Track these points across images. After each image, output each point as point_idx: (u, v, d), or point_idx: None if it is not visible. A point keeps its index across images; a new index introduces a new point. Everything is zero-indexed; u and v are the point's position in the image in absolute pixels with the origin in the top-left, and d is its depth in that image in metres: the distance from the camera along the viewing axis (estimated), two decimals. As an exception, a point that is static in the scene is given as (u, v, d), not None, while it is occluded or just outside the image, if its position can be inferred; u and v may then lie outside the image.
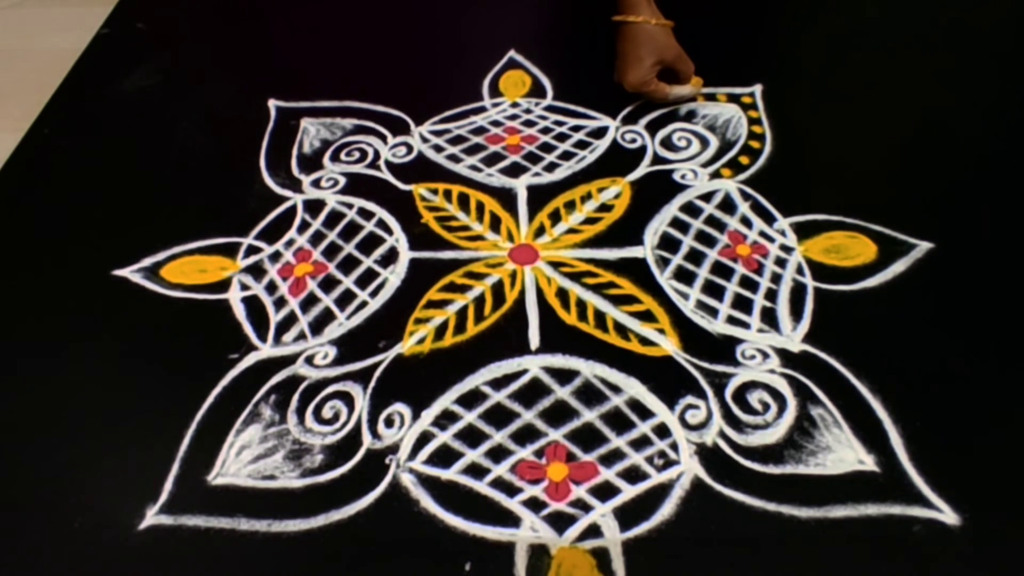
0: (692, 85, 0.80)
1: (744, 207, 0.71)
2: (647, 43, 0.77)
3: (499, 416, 0.56)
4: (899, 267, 0.64)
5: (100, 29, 0.98)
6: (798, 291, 0.63)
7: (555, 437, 0.55)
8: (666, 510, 0.50)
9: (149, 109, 0.86)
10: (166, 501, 0.52)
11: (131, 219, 0.73)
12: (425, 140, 0.80)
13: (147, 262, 0.68)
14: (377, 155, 0.78)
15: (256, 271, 0.67)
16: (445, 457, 0.54)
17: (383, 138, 0.80)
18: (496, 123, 0.81)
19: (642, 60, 0.77)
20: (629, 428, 0.55)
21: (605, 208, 0.71)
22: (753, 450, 0.53)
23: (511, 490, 0.52)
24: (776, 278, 0.65)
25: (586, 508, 0.51)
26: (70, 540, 0.50)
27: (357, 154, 0.79)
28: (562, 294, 0.64)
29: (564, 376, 0.58)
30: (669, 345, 0.60)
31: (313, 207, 0.73)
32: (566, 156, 0.77)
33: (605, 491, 0.52)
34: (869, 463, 0.52)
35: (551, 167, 0.76)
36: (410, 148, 0.79)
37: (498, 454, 0.54)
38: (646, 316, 0.62)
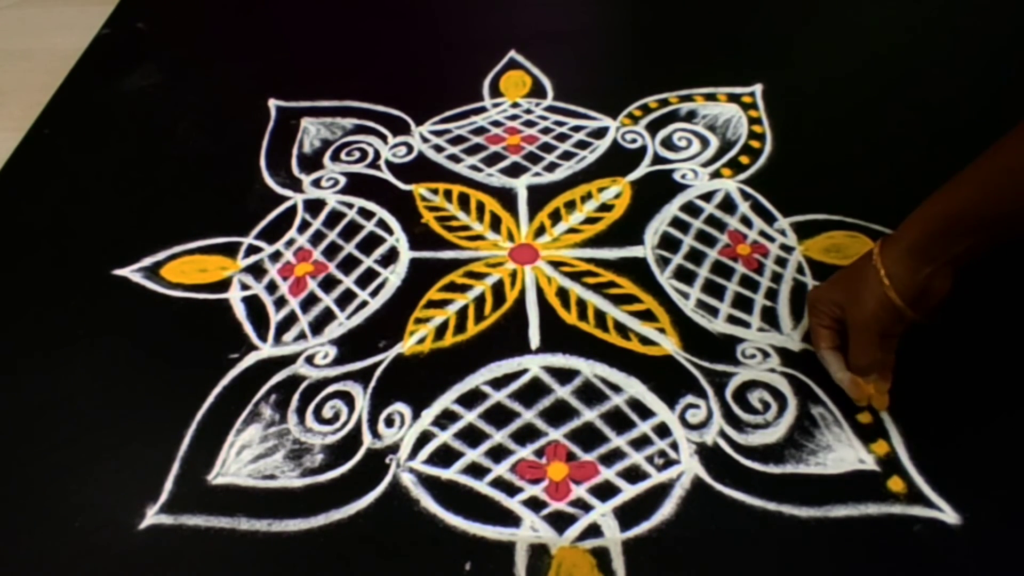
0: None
1: (744, 207, 0.71)
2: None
3: (499, 416, 0.56)
4: (899, 267, 0.64)
5: (100, 29, 0.98)
6: (798, 290, 0.63)
7: (555, 437, 0.55)
8: (666, 510, 0.50)
9: (149, 109, 0.86)
10: (166, 501, 0.52)
11: (131, 219, 0.73)
12: (425, 140, 0.80)
13: (147, 262, 0.68)
14: (377, 155, 0.78)
15: (256, 271, 0.67)
16: (445, 457, 0.54)
17: (383, 138, 0.80)
18: (496, 123, 0.81)
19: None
20: (629, 427, 0.55)
21: (605, 208, 0.71)
22: (753, 449, 0.53)
23: (511, 490, 0.52)
24: (776, 277, 0.65)
25: (586, 508, 0.51)
26: (70, 540, 0.50)
27: (357, 154, 0.79)
28: (562, 293, 0.64)
29: (564, 375, 0.58)
30: (669, 344, 0.60)
31: (313, 207, 0.73)
32: (566, 156, 0.77)
33: (605, 491, 0.51)
34: (869, 462, 0.52)
35: (551, 167, 0.76)
36: (410, 148, 0.79)
37: (498, 454, 0.54)
38: (646, 315, 0.62)
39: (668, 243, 0.68)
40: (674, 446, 0.54)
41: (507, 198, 0.73)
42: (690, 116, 0.81)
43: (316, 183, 0.75)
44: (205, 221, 0.71)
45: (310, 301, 0.65)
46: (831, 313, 0.55)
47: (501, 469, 0.53)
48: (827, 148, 0.77)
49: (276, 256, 0.68)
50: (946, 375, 0.57)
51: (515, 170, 0.76)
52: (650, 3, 1.00)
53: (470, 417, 0.56)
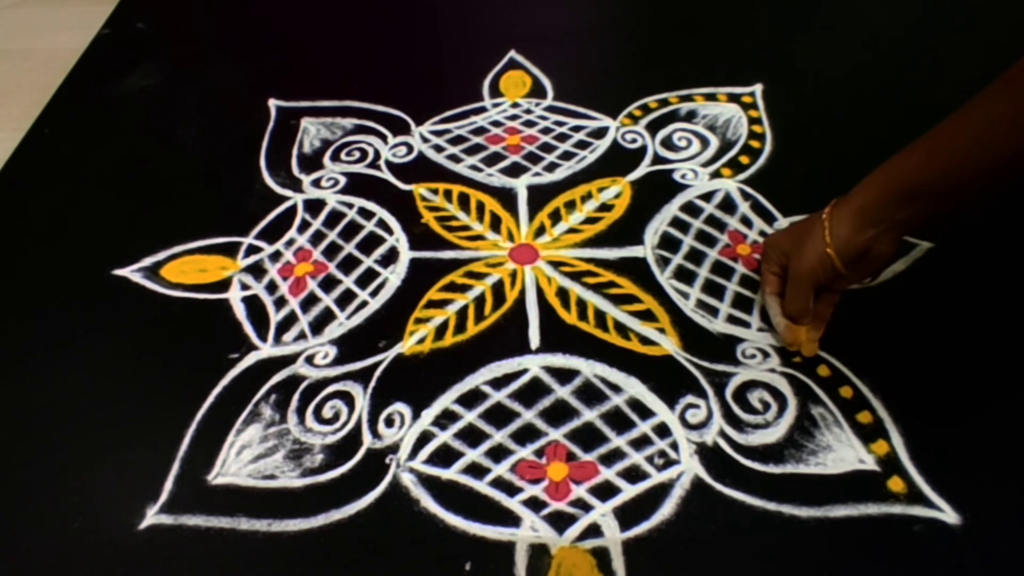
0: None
1: (744, 207, 0.71)
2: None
3: (499, 416, 0.56)
4: (899, 267, 0.64)
5: (100, 29, 0.98)
6: (798, 291, 0.63)
7: (555, 437, 0.55)
8: (666, 510, 0.50)
9: (149, 109, 0.86)
10: (166, 501, 0.52)
11: (131, 219, 0.73)
12: (425, 140, 0.80)
13: (147, 262, 0.68)
14: (377, 155, 0.78)
15: (256, 271, 0.67)
16: (445, 457, 0.54)
17: (383, 138, 0.80)
18: (496, 123, 0.81)
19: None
20: (629, 428, 0.55)
21: (605, 208, 0.71)
22: (753, 449, 0.53)
23: (511, 490, 0.52)
24: (776, 278, 0.65)
25: (586, 508, 0.51)
26: (70, 540, 0.50)
27: (357, 154, 0.79)
28: (562, 293, 0.64)
29: (564, 376, 0.58)
30: (669, 344, 0.60)
31: (313, 207, 0.73)
32: (566, 156, 0.77)
33: (605, 491, 0.52)
34: (869, 462, 0.52)
35: (551, 167, 0.76)
36: (410, 148, 0.79)
37: (498, 454, 0.54)
38: (646, 315, 0.62)
39: (668, 243, 0.68)
40: (674, 446, 0.54)
41: (507, 198, 0.73)
42: (690, 116, 0.81)
43: (316, 183, 0.75)
44: (205, 221, 0.71)
45: (310, 301, 0.65)
46: (779, 260, 0.58)
47: (501, 469, 0.53)
48: (827, 148, 0.77)
49: (276, 256, 0.68)
50: (947, 376, 0.57)
51: (515, 170, 0.76)
52: (650, 3, 1.00)
53: (470, 417, 0.56)
